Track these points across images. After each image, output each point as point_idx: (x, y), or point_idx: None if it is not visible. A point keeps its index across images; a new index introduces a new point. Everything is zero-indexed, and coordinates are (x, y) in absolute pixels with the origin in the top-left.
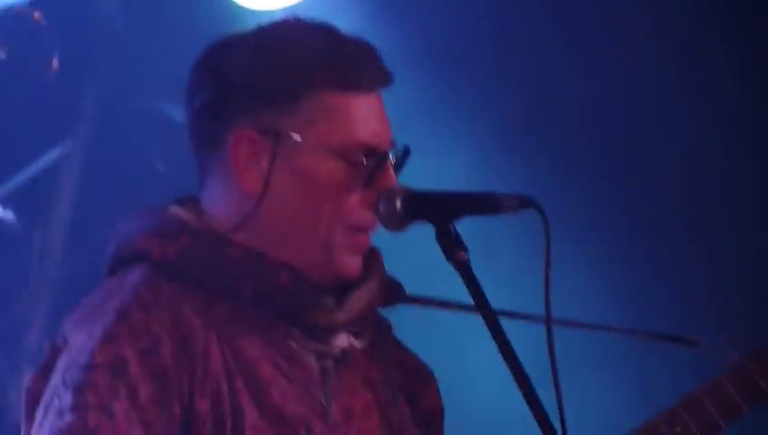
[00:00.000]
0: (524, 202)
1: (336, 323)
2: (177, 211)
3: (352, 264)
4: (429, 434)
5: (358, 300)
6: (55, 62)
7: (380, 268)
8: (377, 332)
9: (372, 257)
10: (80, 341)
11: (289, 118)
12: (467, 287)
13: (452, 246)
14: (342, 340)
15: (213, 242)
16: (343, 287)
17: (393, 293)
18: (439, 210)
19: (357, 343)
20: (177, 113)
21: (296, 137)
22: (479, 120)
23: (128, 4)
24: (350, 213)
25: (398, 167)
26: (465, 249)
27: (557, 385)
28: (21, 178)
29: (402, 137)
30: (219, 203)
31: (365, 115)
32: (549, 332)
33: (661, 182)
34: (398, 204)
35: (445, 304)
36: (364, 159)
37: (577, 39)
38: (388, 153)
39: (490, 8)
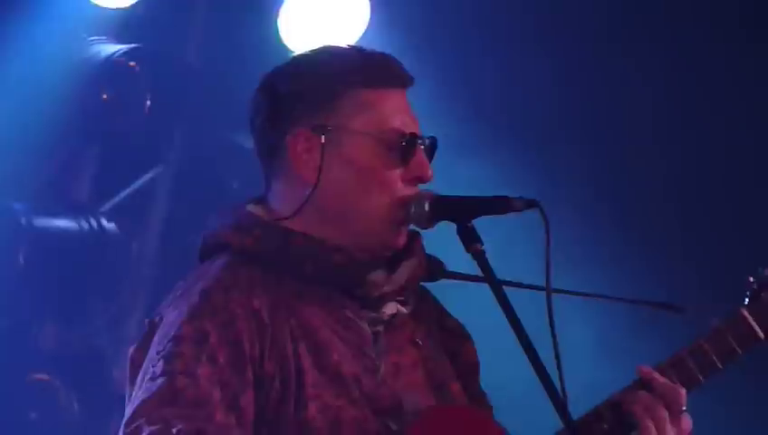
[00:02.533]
0: (530, 204)
1: (385, 293)
2: (251, 208)
3: (400, 235)
4: (468, 385)
5: (403, 273)
6: (148, 102)
7: (421, 247)
8: (420, 299)
9: (414, 239)
10: (171, 318)
11: (334, 115)
12: (483, 273)
13: (470, 239)
14: (391, 307)
15: (280, 232)
16: (390, 262)
17: (434, 268)
18: (460, 211)
19: (403, 310)
20: (247, 140)
21: (340, 129)
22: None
23: (207, 54)
24: (392, 187)
25: (428, 153)
26: (481, 242)
27: (556, 346)
28: (121, 195)
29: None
30: (283, 197)
31: (395, 107)
32: (549, 301)
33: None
34: (426, 206)
35: (475, 279)
36: (399, 141)
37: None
38: (418, 136)
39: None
